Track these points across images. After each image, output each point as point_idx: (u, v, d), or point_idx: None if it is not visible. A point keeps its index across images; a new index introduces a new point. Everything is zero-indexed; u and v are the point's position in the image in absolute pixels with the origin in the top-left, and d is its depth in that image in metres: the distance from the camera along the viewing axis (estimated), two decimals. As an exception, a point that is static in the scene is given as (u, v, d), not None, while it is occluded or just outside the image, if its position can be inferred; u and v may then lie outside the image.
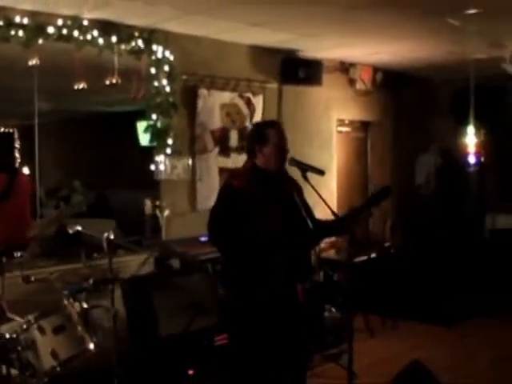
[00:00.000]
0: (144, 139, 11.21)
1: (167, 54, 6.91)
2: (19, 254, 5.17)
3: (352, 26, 7.23)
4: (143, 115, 10.62)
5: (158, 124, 7.01)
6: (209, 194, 7.44)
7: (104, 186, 11.53)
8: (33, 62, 6.05)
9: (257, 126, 5.00)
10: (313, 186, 4.53)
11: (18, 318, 4.70)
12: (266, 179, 4.63)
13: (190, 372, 5.81)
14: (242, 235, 4.46)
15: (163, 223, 7.07)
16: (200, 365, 5.88)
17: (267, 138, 4.62)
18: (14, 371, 4.37)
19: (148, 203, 7.40)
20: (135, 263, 6.30)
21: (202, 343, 5.94)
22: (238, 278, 4.60)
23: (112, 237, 4.85)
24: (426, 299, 8.41)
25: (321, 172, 4.66)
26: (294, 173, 4.75)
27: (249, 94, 8.14)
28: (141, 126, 11.18)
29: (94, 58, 6.38)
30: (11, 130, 14.70)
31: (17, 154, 14.51)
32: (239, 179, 4.74)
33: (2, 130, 14.50)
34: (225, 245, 4.62)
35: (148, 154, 8.38)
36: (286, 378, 4.68)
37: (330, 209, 4.47)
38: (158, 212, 7.08)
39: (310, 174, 4.62)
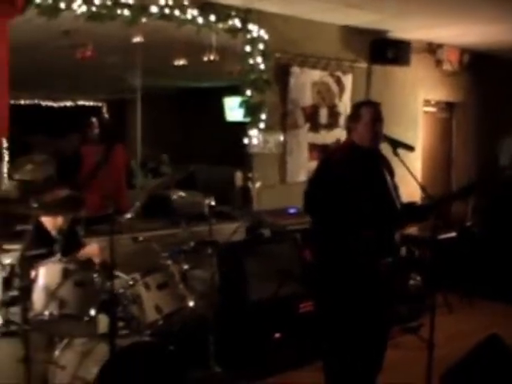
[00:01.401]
0: (230, 115, 11.56)
1: (262, 32, 7.19)
2: (127, 216, 5.49)
3: (440, 7, 7.38)
4: (230, 91, 10.96)
5: (252, 100, 7.26)
6: (298, 167, 7.77)
7: (189, 160, 11.86)
8: (136, 39, 6.39)
9: (354, 105, 5.24)
10: (403, 162, 4.74)
11: (123, 276, 5.06)
12: (360, 156, 4.89)
13: (276, 336, 6.13)
14: (334, 208, 4.74)
15: (254, 194, 7.38)
16: (285, 330, 6.19)
17: (360, 116, 4.89)
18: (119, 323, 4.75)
19: (239, 175, 7.72)
20: (227, 231, 6.59)
21: (287, 309, 6.25)
22: (328, 249, 4.88)
23: (213, 203, 5.19)
24: (504, 280, 8.51)
25: (411, 148, 4.90)
26: (385, 149, 4.98)
27: (339, 73, 8.39)
28: (228, 101, 11.52)
29: (192, 36, 6.69)
30: (100, 104, 15.22)
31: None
32: (336, 154, 5.06)
33: (92, 104, 15.03)
34: (318, 216, 4.91)
35: (233, 129, 8.68)
36: (368, 347, 4.95)
37: (422, 187, 4.71)
38: (249, 184, 7.38)
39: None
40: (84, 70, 9.04)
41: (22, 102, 13.44)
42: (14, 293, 4.71)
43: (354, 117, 4.97)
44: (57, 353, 4.71)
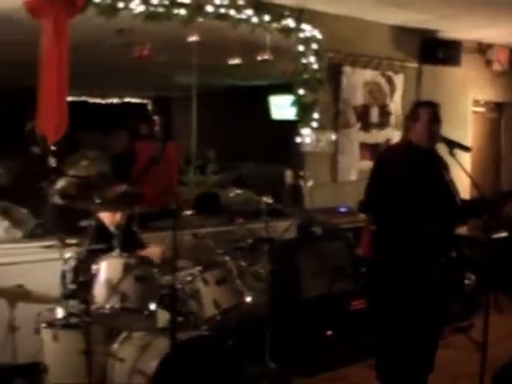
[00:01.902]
0: (276, 113, 11.62)
1: (315, 32, 7.24)
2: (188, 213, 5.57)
3: (490, 7, 7.38)
4: (276, 90, 11.01)
5: (305, 99, 7.31)
6: (349, 166, 7.82)
7: (235, 158, 11.94)
8: (192, 38, 6.46)
9: (413, 104, 5.27)
10: (460, 163, 4.76)
11: (183, 270, 5.13)
12: (416, 155, 4.94)
13: (328, 333, 6.18)
14: (389, 209, 4.78)
15: (306, 193, 7.43)
16: (336, 327, 6.24)
17: (419, 116, 4.93)
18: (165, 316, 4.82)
19: (289, 173, 7.78)
20: (278, 229, 6.65)
21: (339, 306, 6.31)
22: (384, 248, 4.93)
23: (270, 201, 5.26)
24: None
25: (467, 149, 4.94)
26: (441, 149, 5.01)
27: (390, 73, 8.42)
28: (273, 100, 11.58)
29: (246, 36, 6.76)
30: (145, 101, 15.37)
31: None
32: (391, 154, 5.10)
33: (138, 101, 15.19)
34: (375, 216, 4.96)
35: (280, 127, 8.72)
36: (419, 346, 4.98)
37: (477, 186, 4.74)
38: (301, 182, 7.43)
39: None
40: (133, 67, 9.17)
41: (70, 98, 13.62)
42: (76, 286, 4.82)
43: (412, 116, 5.02)
44: (115, 346, 4.79)
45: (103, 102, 14.73)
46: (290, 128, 8.31)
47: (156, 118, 8.26)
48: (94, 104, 14.41)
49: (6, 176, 6.68)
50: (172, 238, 4.35)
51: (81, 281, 4.60)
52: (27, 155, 6.86)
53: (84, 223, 5.06)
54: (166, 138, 7.84)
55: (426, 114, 4.92)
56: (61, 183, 6.06)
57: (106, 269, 4.53)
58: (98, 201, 4.53)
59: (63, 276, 4.97)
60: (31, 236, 5.95)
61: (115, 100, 14.85)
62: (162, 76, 10.72)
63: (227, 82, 11.62)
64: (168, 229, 4.49)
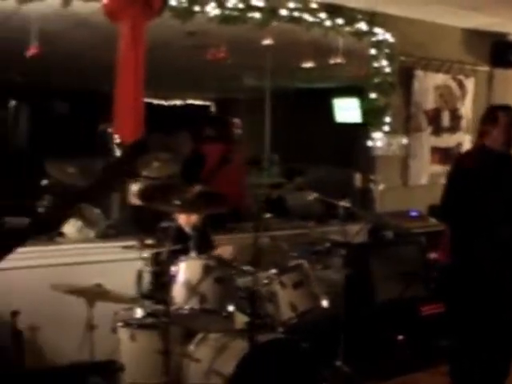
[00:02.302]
0: (340, 115, 11.58)
1: (387, 36, 7.22)
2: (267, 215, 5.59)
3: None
4: (339, 92, 10.98)
5: (377, 103, 7.29)
6: (420, 171, 7.78)
7: (298, 160, 11.92)
8: (266, 41, 6.49)
9: (490, 108, 5.22)
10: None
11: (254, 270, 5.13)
12: (491, 159, 4.89)
13: (399, 338, 6.14)
14: (464, 214, 4.75)
15: (377, 196, 7.40)
16: (408, 332, 6.20)
17: (497, 120, 4.88)
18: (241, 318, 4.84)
19: (358, 177, 7.76)
20: (349, 233, 6.63)
21: (410, 311, 6.27)
22: (459, 253, 4.90)
23: (348, 205, 5.26)
24: None
25: None
26: None
27: (461, 77, 8.34)
28: (337, 102, 11.55)
29: (319, 39, 6.76)
30: (208, 103, 15.45)
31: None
32: (467, 158, 5.06)
33: (200, 102, 15.27)
34: (452, 220, 4.93)
35: (343, 130, 8.68)
36: (495, 352, 4.94)
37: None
38: (372, 185, 7.41)
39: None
40: (199, 69, 9.23)
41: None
42: (154, 287, 4.88)
43: (489, 120, 4.97)
44: (191, 347, 4.82)
45: (166, 103, 14.84)
46: (354, 131, 8.28)
47: (237, 120, 8.25)
48: (158, 106, 14.52)
49: (79, 175, 6.75)
50: (253, 240, 4.37)
51: (160, 282, 4.65)
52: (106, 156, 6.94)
53: (163, 224, 5.12)
54: (233, 140, 7.85)
55: (504, 118, 4.87)
56: (137, 184, 6.13)
57: (185, 270, 4.58)
58: (177, 202, 4.56)
59: (139, 276, 5.03)
60: (103, 236, 6.02)
61: (178, 102, 14.96)
62: (226, 78, 10.79)
63: (292, 85, 11.62)
64: (246, 231, 4.51)
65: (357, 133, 9.83)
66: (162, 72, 9.16)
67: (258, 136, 11.33)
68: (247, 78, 10.15)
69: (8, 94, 12.54)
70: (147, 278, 4.99)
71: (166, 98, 14.72)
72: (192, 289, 4.51)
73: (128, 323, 4.83)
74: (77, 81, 11.26)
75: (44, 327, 5.44)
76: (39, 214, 2.90)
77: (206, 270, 4.55)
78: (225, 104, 14.92)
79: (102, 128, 8.47)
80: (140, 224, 5.65)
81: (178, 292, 4.53)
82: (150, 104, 13.67)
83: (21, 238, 2.92)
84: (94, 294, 4.72)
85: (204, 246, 5.15)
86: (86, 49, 7.70)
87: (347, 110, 11.35)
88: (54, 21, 5.99)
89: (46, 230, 2.93)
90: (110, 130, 9.81)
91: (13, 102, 13.04)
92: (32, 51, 5.68)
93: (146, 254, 5.04)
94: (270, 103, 12.31)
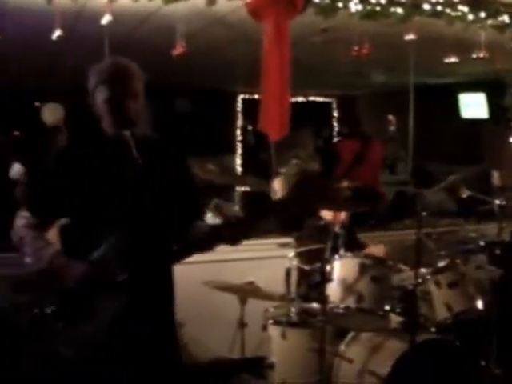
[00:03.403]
0: (466, 112, 11.35)
1: (531, 29, 6.99)
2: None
3: None
4: (465, 88, 10.75)
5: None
6: None
7: (421, 157, 11.73)
8: (409, 37, 6.39)
9: None
10: None
11: (406, 269, 5.07)
12: None
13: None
14: None
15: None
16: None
17: None
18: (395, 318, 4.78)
19: (495, 175, 7.57)
20: (491, 232, 6.48)
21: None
22: None
23: (503, 202, 5.13)
24: None
25: None
26: None
27: None
28: (463, 98, 11.31)
29: (460, 33, 6.62)
30: (329, 100, 15.39)
31: (335, 123, 15.19)
32: None
33: (322, 99, 15.23)
34: None
35: (470, 126, 8.47)
36: None
37: None
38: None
39: None
40: (322, 66, 9.19)
41: (256, 96, 13.84)
42: (306, 285, 4.88)
43: None
44: (342, 346, 4.79)
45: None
46: (481, 127, 8.06)
47: (391, 117, 8.19)
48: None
49: (219, 173, 6.82)
50: (416, 239, 4.30)
51: (313, 280, 4.64)
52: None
53: (313, 222, 5.11)
54: (368, 137, 7.78)
55: None
56: (280, 180, 6.16)
57: (340, 268, 4.56)
58: (330, 200, 4.53)
59: (288, 274, 5.02)
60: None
61: (300, 99, 14.94)
62: (350, 74, 10.72)
63: (418, 80, 11.45)
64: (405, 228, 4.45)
65: (484, 129, 9.64)
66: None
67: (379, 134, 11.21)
68: (375, 74, 10.04)
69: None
70: (296, 276, 4.98)
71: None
72: (348, 288, 4.48)
73: (279, 321, 4.83)
74: (201, 79, 11.37)
75: (190, 323, 5.50)
76: (227, 222, 2.93)
77: (362, 268, 4.52)
78: (347, 101, 14.84)
79: (242, 125, 8.57)
80: (286, 221, 5.65)
81: (333, 291, 4.51)
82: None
83: (202, 245, 2.97)
84: (246, 292, 4.74)
85: (351, 244, 5.12)
86: (219, 47, 7.76)
87: (474, 106, 11.13)
88: (192, 19, 6.04)
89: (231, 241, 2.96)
90: (249, 127, 9.96)
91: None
92: (179, 50, 5.75)
93: (296, 251, 5.04)
94: (383, 99, 12.20)
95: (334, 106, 15.36)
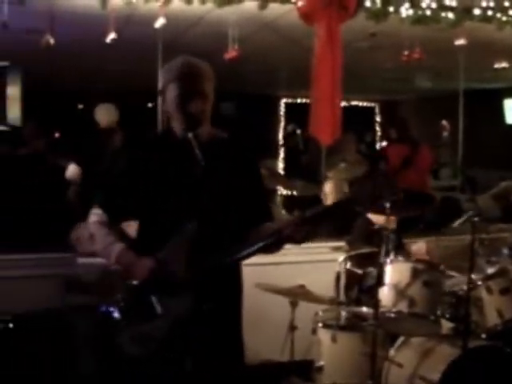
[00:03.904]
0: (511, 117, 11.26)
1: None
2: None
3: None
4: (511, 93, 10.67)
5: None
6: None
7: (470, 163, 11.66)
8: (459, 41, 6.39)
9: None
10: None
11: (456, 275, 5.05)
12: None
13: None
14: None
15: None
16: None
17: None
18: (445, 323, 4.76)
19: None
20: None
21: None
22: None
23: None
24: None
25: None
26: None
27: None
28: (508, 103, 11.23)
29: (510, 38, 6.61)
30: (372, 105, 15.38)
31: (377, 128, 15.17)
32: None
33: (365, 104, 15.22)
34: None
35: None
36: None
37: None
38: None
39: None
40: (366, 71, 9.19)
41: (304, 100, 13.89)
42: (357, 289, 4.88)
43: None
44: (392, 350, 4.78)
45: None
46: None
47: (445, 122, 8.17)
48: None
49: (269, 177, 6.85)
50: (469, 244, 4.29)
51: (364, 284, 4.65)
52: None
53: (366, 226, 5.11)
54: (416, 142, 7.77)
55: None
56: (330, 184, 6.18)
57: (392, 273, 4.55)
58: (387, 204, 4.53)
59: (338, 278, 5.04)
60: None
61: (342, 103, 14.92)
62: (393, 79, 10.71)
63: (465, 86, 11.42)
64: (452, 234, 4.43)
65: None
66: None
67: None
68: (421, 79, 10.03)
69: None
70: (347, 280, 4.99)
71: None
72: (400, 292, 4.47)
73: (329, 324, 4.83)
74: (245, 83, 11.43)
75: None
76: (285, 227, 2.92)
77: (415, 273, 4.51)
78: (389, 105, 14.82)
79: (290, 129, 8.58)
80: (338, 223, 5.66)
81: (385, 295, 4.50)
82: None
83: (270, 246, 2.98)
84: (297, 295, 4.74)
85: (399, 248, 5.11)
86: (265, 52, 7.80)
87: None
88: (242, 24, 6.09)
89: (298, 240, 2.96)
90: (298, 131, 9.99)
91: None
92: (231, 54, 5.80)
93: (346, 256, 5.05)
94: (424, 105, 12.13)
95: (377, 110, 15.36)
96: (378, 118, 15.40)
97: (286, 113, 14.10)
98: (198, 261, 2.87)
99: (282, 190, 10.58)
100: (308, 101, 13.46)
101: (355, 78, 9.87)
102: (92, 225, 3.13)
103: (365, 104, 15.17)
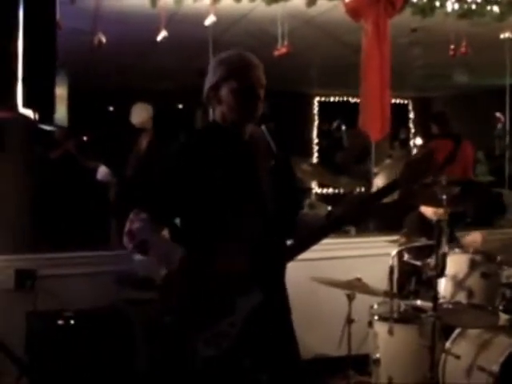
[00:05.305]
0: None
1: None
2: None
3: None
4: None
5: None
6: None
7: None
8: (504, 35, 6.38)
9: None
10: None
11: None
12: None
13: None
14: None
15: None
16: None
17: None
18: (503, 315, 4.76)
19: None
20: None
21: None
22: None
23: None
24: None
25: None
26: None
27: None
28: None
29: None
30: (405, 102, 15.31)
31: (410, 125, 15.10)
32: None
33: (397, 101, 15.15)
34: None
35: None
36: None
37: None
38: None
39: None
40: (402, 66, 9.17)
41: (332, 99, 13.88)
42: (415, 281, 4.91)
43: None
44: (448, 343, 4.79)
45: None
46: None
47: (499, 114, 8.14)
48: (354, 103, 14.54)
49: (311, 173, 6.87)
50: None
51: (426, 276, 4.67)
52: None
53: (420, 219, 5.13)
54: (459, 136, 7.74)
55: None
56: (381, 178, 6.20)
57: (450, 264, 4.56)
58: (444, 197, 4.54)
59: (391, 271, 5.06)
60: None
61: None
62: (428, 76, 10.69)
63: (495, 82, 11.37)
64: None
65: None
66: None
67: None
68: (457, 75, 9.99)
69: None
70: (401, 273, 5.02)
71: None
72: (458, 284, 4.50)
73: (385, 317, 4.86)
74: (280, 80, 11.43)
75: (298, 320, 5.56)
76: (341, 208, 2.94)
77: (472, 264, 4.53)
78: (423, 102, 14.76)
79: (335, 124, 8.59)
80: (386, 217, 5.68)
81: (443, 286, 4.52)
82: (347, 102, 13.76)
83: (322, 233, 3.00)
84: (354, 288, 4.77)
85: (451, 240, 5.12)
86: (303, 49, 7.80)
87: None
88: (284, 21, 6.10)
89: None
90: (343, 126, 10.01)
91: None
92: (282, 50, 5.83)
93: (399, 249, 5.07)
94: (461, 101, 12.04)
95: (410, 107, 15.29)
96: (411, 115, 15.32)
97: (320, 111, 14.07)
98: (265, 258, 2.88)
99: (316, 188, 10.60)
100: (341, 99, 13.46)
101: (392, 75, 9.89)
102: (141, 231, 2.91)
103: (398, 101, 15.09)
